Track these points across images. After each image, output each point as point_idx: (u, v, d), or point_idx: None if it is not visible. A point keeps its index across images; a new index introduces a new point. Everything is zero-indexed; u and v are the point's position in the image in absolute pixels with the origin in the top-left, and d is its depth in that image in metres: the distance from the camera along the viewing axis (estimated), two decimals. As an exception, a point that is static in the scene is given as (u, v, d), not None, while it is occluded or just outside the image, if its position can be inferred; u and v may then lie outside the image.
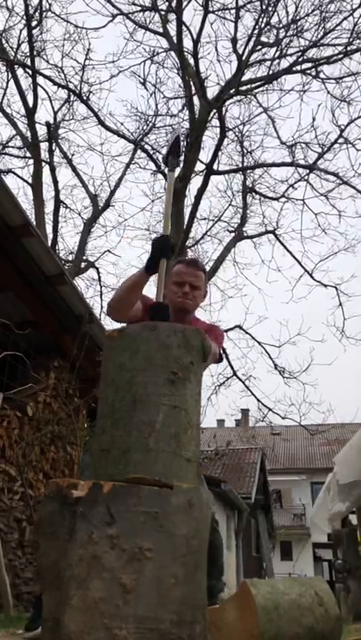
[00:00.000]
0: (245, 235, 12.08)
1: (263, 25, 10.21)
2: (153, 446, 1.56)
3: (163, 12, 10.66)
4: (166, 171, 2.39)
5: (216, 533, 2.55)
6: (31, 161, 11.36)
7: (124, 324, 2.31)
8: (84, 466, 2.37)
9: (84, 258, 12.05)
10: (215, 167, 10.78)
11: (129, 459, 1.55)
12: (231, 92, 10.51)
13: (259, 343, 11.63)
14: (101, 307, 11.77)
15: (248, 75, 10.88)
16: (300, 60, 10.53)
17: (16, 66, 10.96)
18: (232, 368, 11.71)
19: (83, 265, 12.01)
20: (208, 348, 1.79)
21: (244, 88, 10.85)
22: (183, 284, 2.59)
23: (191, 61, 10.20)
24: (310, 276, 11.59)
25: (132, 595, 1.42)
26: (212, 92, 10.60)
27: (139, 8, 10.65)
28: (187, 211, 10.75)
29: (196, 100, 10.61)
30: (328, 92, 10.90)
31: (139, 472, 1.53)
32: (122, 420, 1.58)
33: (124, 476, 1.53)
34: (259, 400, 11.65)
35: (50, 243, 10.33)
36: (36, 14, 10.54)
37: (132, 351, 1.63)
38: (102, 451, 1.60)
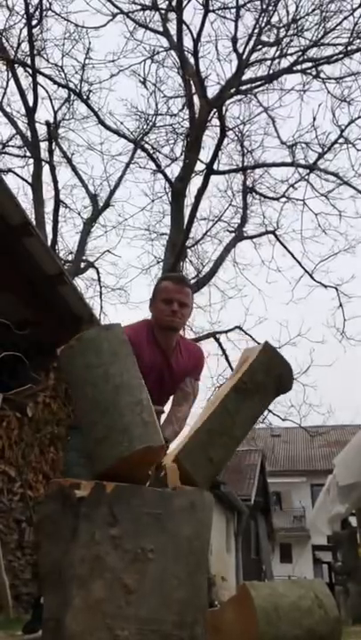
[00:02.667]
0: (245, 235, 12.07)
1: (263, 24, 10.22)
2: (148, 419, 1.62)
3: (163, 11, 10.67)
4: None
5: None
6: (31, 160, 11.35)
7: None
8: (70, 463, 2.33)
9: (84, 258, 12.03)
10: (215, 167, 10.76)
11: (131, 435, 1.58)
12: (231, 91, 10.51)
13: (259, 344, 11.60)
14: (101, 307, 11.77)
15: (248, 74, 10.91)
16: (301, 59, 10.54)
17: (16, 65, 10.95)
18: (232, 369, 11.66)
19: (82, 265, 11.99)
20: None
21: (244, 87, 10.87)
22: (171, 301, 2.53)
23: (191, 60, 10.20)
24: (310, 276, 11.57)
25: (135, 595, 1.41)
26: (212, 91, 10.61)
27: (139, 7, 10.67)
28: (187, 211, 10.74)
29: (196, 99, 10.61)
30: (328, 92, 10.89)
31: (145, 443, 1.58)
32: (109, 407, 1.61)
33: (131, 450, 1.55)
34: (259, 401, 11.62)
35: (49, 242, 10.32)
36: (37, 13, 10.53)
37: (96, 350, 1.67)
38: (99, 440, 1.59)
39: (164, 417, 2.61)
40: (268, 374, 1.82)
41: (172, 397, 2.72)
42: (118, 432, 1.58)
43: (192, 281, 10.95)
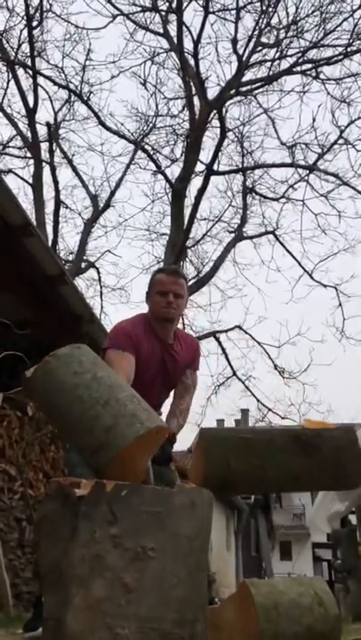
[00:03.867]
0: (245, 235, 12.07)
1: (263, 26, 10.22)
2: (147, 407, 1.69)
3: (163, 13, 10.67)
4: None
5: None
6: (31, 161, 11.34)
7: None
8: (73, 463, 2.35)
9: (85, 258, 12.04)
10: (215, 168, 10.78)
11: (140, 418, 1.62)
12: (231, 92, 10.51)
13: (259, 343, 11.61)
14: (102, 307, 11.78)
15: (248, 75, 10.91)
16: (301, 60, 10.54)
17: (16, 66, 10.95)
18: (232, 368, 11.70)
19: (83, 265, 11.99)
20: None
21: (244, 89, 10.86)
22: (167, 293, 2.57)
23: (192, 62, 10.21)
24: (310, 276, 11.58)
25: (135, 594, 1.42)
26: (212, 92, 10.60)
27: (139, 8, 10.66)
28: (187, 211, 10.75)
29: (196, 100, 10.61)
30: (328, 93, 10.92)
31: (155, 423, 1.65)
32: (110, 400, 1.64)
33: (147, 428, 1.59)
34: (258, 400, 11.65)
35: (50, 243, 10.33)
36: (37, 14, 10.53)
37: (78, 361, 1.72)
38: (108, 427, 1.60)
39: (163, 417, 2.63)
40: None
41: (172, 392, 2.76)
42: (127, 417, 1.61)
43: (192, 281, 10.96)
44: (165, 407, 2.81)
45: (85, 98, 10.98)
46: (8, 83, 11.19)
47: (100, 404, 1.63)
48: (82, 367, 1.70)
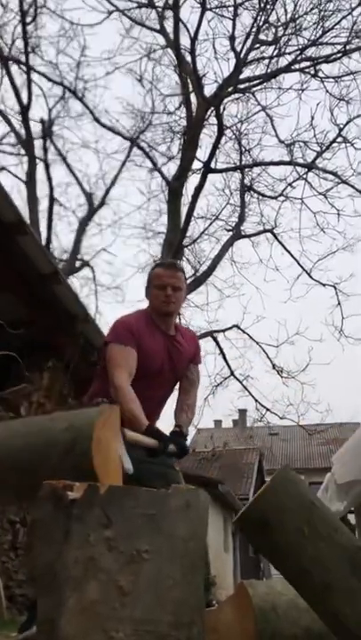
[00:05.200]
0: (243, 234, 12.05)
1: (261, 23, 10.21)
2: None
3: (160, 9, 10.65)
4: None
5: None
6: (25, 158, 11.33)
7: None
8: None
9: (79, 257, 12.02)
10: (213, 165, 10.77)
11: (87, 410, 1.76)
12: (229, 89, 10.49)
13: (257, 343, 11.60)
14: (96, 306, 11.79)
15: (246, 73, 10.91)
16: (299, 58, 10.55)
17: (10, 62, 10.92)
18: (230, 368, 11.67)
19: (77, 264, 11.99)
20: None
21: (242, 86, 10.84)
22: (165, 286, 2.61)
23: (188, 59, 10.18)
24: (309, 275, 11.58)
25: (130, 597, 1.40)
26: (209, 89, 10.60)
27: (135, 4, 10.66)
28: (184, 209, 10.75)
29: (193, 97, 10.60)
30: (327, 91, 10.89)
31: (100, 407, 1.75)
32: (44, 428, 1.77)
33: (101, 409, 1.71)
34: (256, 400, 11.63)
35: (44, 241, 10.30)
36: (31, 10, 10.54)
37: None
38: (66, 427, 1.66)
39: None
40: None
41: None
42: (76, 414, 1.70)
43: (189, 280, 10.93)
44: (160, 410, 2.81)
45: (80, 94, 11.00)
46: (1, 79, 11.18)
47: (44, 434, 1.72)
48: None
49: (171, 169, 11.55)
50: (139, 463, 2.00)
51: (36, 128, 11.23)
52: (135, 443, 2.15)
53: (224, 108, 10.68)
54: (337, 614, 1.46)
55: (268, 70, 10.65)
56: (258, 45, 10.61)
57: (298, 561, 1.49)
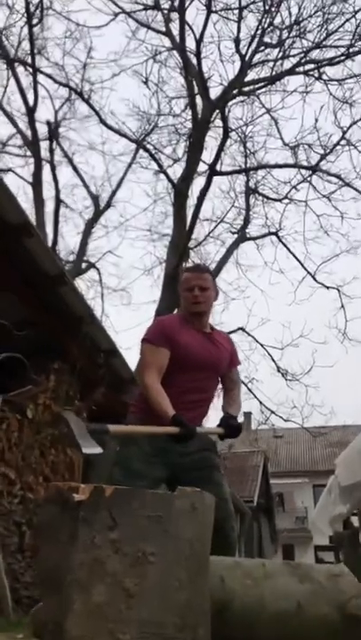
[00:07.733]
0: (248, 236, 12.05)
1: (266, 26, 10.21)
2: None
3: (165, 11, 10.66)
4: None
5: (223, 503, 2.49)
6: (31, 160, 11.33)
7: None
8: (118, 480, 2.36)
9: (85, 258, 12.02)
10: (218, 168, 10.74)
11: None
12: (234, 92, 10.49)
13: (261, 345, 11.59)
14: (102, 308, 11.77)
15: (251, 75, 10.90)
16: (303, 61, 10.54)
17: (16, 64, 10.94)
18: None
19: (83, 266, 11.98)
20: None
21: (247, 89, 10.83)
22: (192, 288, 2.72)
23: (194, 61, 10.20)
24: (313, 277, 11.56)
25: (136, 599, 1.39)
26: (214, 92, 10.60)
27: (141, 7, 10.67)
28: (189, 212, 10.73)
29: (198, 99, 10.60)
30: (331, 94, 10.87)
31: None
32: None
33: None
34: (261, 403, 11.60)
35: (50, 243, 10.30)
36: (37, 12, 10.52)
37: None
38: None
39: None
40: None
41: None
42: None
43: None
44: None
45: (86, 96, 11.00)
46: (8, 80, 11.21)
47: None
48: None
49: (176, 171, 11.58)
50: (180, 456, 2.47)
51: (42, 130, 11.23)
52: (160, 434, 2.38)
53: (229, 111, 10.70)
54: None
55: (273, 73, 10.65)
56: (263, 48, 10.62)
57: None
